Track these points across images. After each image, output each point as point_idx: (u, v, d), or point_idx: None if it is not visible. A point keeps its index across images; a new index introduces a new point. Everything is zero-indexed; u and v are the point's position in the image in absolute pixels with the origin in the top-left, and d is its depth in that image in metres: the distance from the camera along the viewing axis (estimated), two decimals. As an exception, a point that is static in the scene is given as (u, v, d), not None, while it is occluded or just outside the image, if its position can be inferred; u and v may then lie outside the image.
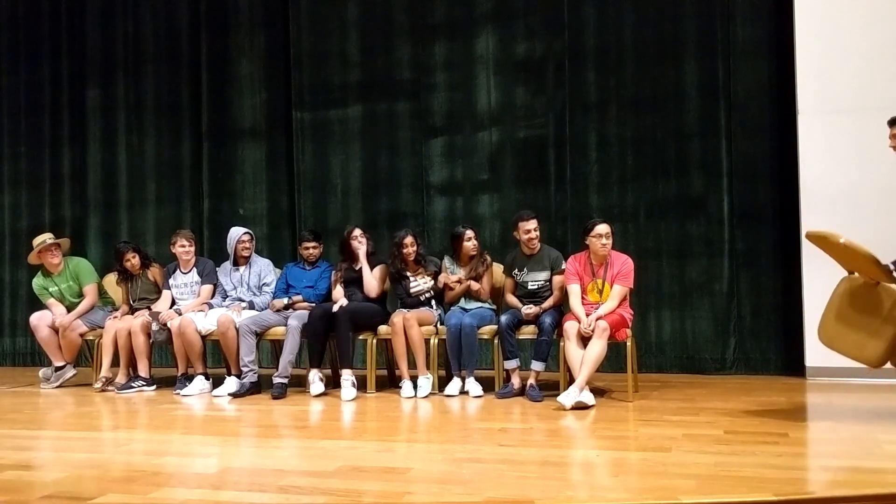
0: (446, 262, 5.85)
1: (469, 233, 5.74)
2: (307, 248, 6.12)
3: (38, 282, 6.50)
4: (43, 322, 6.35)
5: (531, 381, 5.19)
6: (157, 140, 7.82)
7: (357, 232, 5.94)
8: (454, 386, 5.37)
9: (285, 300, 5.93)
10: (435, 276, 5.79)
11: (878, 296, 4.05)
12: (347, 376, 5.44)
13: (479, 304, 5.68)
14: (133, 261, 6.36)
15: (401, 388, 5.48)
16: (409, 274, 5.80)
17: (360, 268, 5.87)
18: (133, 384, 5.93)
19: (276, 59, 7.46)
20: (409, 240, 5.76)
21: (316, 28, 7.33)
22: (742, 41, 6.26)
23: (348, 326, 5.57)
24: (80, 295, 6.44)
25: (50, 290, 6.44)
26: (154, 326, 5.94)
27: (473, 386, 5.34)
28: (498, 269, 5.83)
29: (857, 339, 4.15)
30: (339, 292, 5.83)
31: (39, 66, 8.20)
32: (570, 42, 6.65)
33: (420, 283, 5.79)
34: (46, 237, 6.46)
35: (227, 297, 6.09)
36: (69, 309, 6.41)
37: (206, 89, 7.64)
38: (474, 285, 5.66)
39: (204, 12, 7.68)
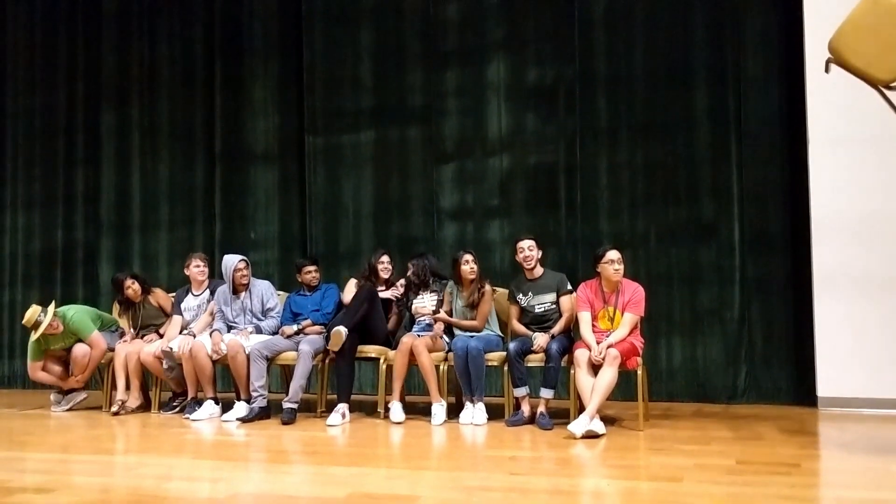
0: (449, 287, 5.84)
1: (467, 256, 5.69)
2: (309, 273, 6.18)
3: (34, 342, 6.18)
4: (37, 366, 6.29)
5: (541, 408, 5.17)
6: (171, 163, 7.89)
7: (385, 258, 6.05)
8: (467, 414, 5.34)
9: (295, 327, 5.95)
10: (439, 297, 5.79)
11: None
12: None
13: (486, 331, 5.68)
14: (133, 287, 6.38)
15: (388, 409, 5.47)
16: (420, 293, 5.85)
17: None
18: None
19: (290, 84, 7.54)
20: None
21: (329, 54, 7.40)
22: (752, 69, 6.29)
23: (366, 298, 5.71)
24: (79, 340, 6.29)
25: (50, 347, 6.27)
26: (165, 364, 5.94)
27: (479, 413, 5.32)
28: (502, 295, 5.83)
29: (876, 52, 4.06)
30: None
31: (55, 88, 8.32)
32: (580, 68, 6.70)
33: (425, 300, 5.80)
34: (38, 317, 6.05)
35: (232, 328, 6.02)
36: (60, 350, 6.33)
37: (220, 113, 7.72)
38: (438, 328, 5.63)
39: (219, 37, 7.78)
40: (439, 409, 5.39)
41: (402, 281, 5.94)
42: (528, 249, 5.55)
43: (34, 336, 6.12)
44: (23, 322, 6.18)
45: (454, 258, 5.80)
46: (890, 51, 4.09)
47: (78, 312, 6.32)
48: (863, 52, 4.14)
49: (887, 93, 4.18)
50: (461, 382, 5.44)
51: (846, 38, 4.17)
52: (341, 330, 5.44)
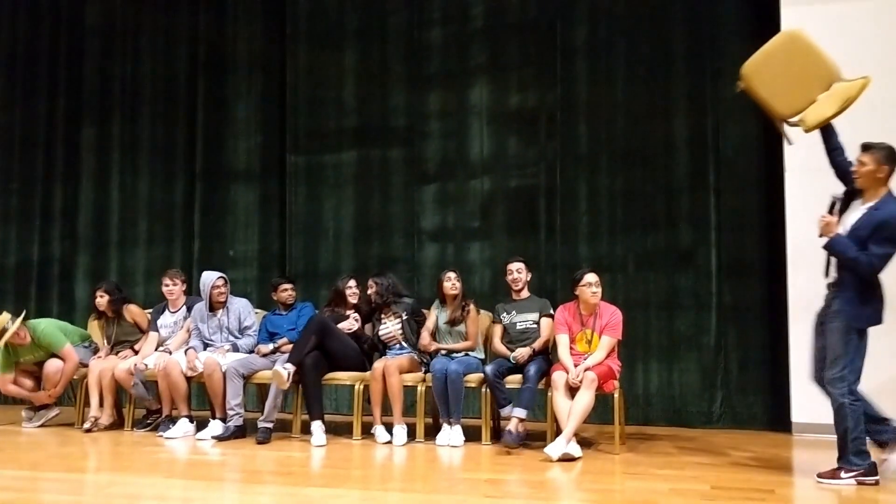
0: (434, 306, 5.86)
1: (449, 274, 5.77)
2: (286, 290, 6.19)
3: (3, 352, 6.06)
4: (7, 379, 6.16)
5: (510, 426, 5.09)
6: (151, 180, 7.84)
7: (352, 283, 5.98)
8: (444, 436, 5.32)
9: (271, 346, 5.93)
10: (403, 318, 5.76)
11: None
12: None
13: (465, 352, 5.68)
14: (100, 300, 6.30)
15: (373, 433, 5.45)
16: (381, 317, 5.82)
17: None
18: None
19: (273, 103, 7.55)
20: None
21: (313, 74, 7.43)
22: (730, 98, 6.35)
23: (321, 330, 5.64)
24: (51, 355, 6.17)
25: (20, 359, 6.19)
26: (133, 381, 5.87)
27: (455, 435, 5.30)
28: (486, 316, 5.86)
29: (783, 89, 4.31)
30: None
31: (35, 103, 8.25)
32: (562, 95, 6.76)
33: (389, 326, 5.79)
34: (6, 324, 5.92)
35: (209, 345, 5.98)
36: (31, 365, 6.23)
37: (202, 131, 7.70)
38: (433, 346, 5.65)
39: (203, 56, 7.78)
40: (400, 431, 5.39)
41: (356, 315, 5.84)
42: (516, 272, 5.62)
43: (0, 343, 6.02)
44: None
45: (439, 278, 5.84)
46: (796, 88, 4.31)
47: (49, 325, 6.22)
48: (770, 83, 4.34)
49: (786, 128, 4.40)
50: (438, 404, 5.42)
51: (758, 67, 4.38)
52: (280, 371, 5.39)
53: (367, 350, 5.87)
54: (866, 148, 4.15)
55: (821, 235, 4.16)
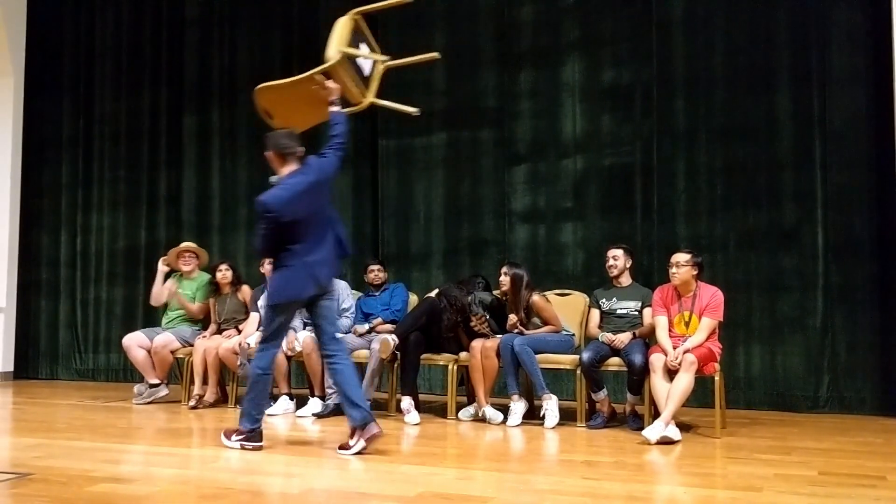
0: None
1: (503, 269, 5.67)
2: (373, 272, 6.31)
3: (176, 276, 6.89)
4: (134, 342, 6.55)
5: (629, 409, 5.21)
6: (250, 166, 8.05)
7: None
8: (517, 414, 5.34)
9: (367, 326, 6.03)
10: (486, 318, 5.67)
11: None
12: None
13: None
14: (226, 273, 6.56)
15: (482, 415, 5.48)
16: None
17: None
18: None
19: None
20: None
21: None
22: (838, 69, 6.10)
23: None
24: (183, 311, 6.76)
25: (175, 287, 6.79)
26: (239, 360, 6.07)
27: (551, 410, 5.26)
28: (582, 298, 5.79)
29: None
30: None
31: (140, 94, 8.58)
32: (658, 70, 6.58)
33: (476, 324, 5.72)
34: (186, 244, 6.95)
35: (307, 325, 6.13)
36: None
37: (297, 117, 7.84)
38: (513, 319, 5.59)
39: (296, 43, 7.92)
40: (491, 412, 5.43)
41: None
42: (612, 259, 5.53)
43: (172, 256, 6.77)
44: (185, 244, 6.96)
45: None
46: (307, 109, 4.83)
47: (209, 284, 6.76)
48: (289, 113, 4.89)
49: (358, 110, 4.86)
50: (508, 378, 5.39)
51: (270, 98, 5.00)
52: (388, 339, 5.48)
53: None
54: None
55: None
